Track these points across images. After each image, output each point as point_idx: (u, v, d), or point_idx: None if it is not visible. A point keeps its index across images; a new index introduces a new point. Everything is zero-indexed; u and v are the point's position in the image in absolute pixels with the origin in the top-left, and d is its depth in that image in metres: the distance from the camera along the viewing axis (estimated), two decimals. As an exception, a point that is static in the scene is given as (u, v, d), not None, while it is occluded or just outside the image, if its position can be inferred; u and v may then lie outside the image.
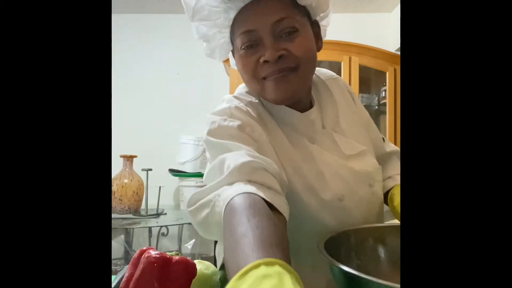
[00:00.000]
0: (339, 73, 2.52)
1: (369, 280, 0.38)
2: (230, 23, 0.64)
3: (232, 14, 0.62)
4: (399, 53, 2.55)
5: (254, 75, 0.62)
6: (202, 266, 0.59)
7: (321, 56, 2.75)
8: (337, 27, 2.81)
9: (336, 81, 0.78)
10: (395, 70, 2.44)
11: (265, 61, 0.59)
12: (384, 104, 2.47)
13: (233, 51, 0.68)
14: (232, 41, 0.66)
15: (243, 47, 0.62)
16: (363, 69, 2.44)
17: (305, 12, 0.64)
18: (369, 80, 2.71)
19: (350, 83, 2.43)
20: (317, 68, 0.74)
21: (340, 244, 0.56)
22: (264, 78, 0.62)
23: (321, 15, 0.68)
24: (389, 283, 0.36)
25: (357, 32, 2.74)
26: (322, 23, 0.70)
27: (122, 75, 2.63)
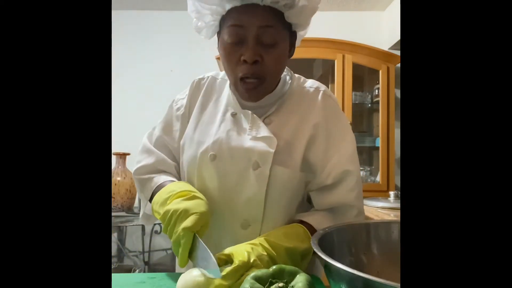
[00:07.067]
0: (332, 71, 2.54)
1: (370, 280, 0.37)
2: (224, 13, 0.70)
3: (227, 7, 0.68)
4: (392, 51, 2.56)
5: (234, 71, 0.71)
6: (196, 273, 0.56)
7: (314, 53, 2.73)
8: (331, 25, 2.84)
9: (316, 91, 0.80)
10: (388, 68, 2.45)
11: (244, 60, 0.67)
12: (377, 102, 2.48)
13: (219, 34, 0.74)
14: (221, 27, 0.72)
15: (229, 41, 0.69)
16: (356, 67, 2.45)
17: (288, 25, 0.71)
18: (362, 78, 2.72)
19: (343, 81, 2.43)
20: (311, 81, 0.83)
21: (332, 241, 0.56)
22: (241, 79, 0.70)
23: (301, 30, 0.77)
24: (389, 283, 0.36)
25: (350, 30, 2.75)
26: (299, 33, 0.78)
27: (114, 72, 2.61)
